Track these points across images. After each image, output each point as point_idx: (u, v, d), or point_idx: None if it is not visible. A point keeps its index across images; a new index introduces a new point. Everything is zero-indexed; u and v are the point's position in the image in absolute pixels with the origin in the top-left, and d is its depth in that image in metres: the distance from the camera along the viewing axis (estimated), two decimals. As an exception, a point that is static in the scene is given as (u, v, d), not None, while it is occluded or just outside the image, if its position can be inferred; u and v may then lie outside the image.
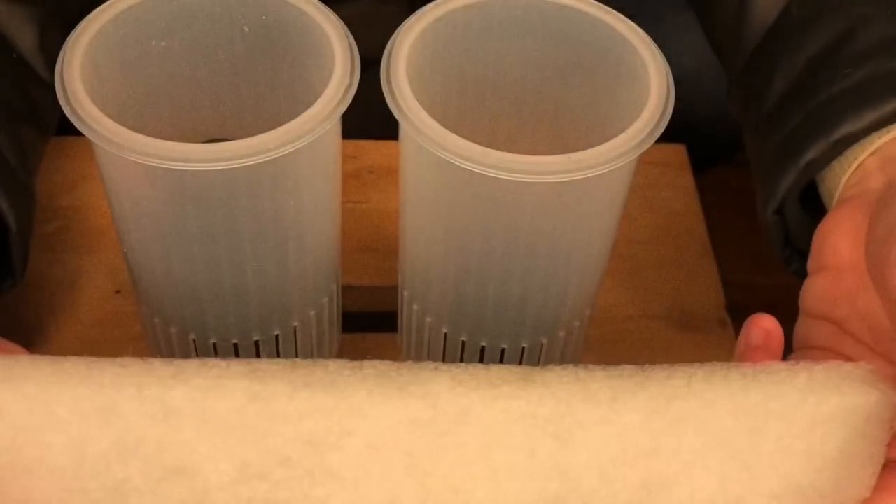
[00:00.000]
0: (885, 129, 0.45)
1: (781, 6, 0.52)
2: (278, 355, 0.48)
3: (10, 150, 0.48)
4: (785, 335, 0.44)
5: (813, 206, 0.49)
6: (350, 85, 0.41)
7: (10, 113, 0.49)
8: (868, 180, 0.45)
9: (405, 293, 0.49)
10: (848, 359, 0.41)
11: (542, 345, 0.48)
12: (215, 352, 0.47)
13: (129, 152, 0.38)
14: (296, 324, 0.48)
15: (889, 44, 0.47)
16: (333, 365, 0.36)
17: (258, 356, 0.48)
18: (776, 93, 0.51)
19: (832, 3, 0.50)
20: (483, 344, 0.48)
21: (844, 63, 0.48)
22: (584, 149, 0.39)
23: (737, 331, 0.59)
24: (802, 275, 0.47)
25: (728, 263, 0.64)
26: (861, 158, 0.46)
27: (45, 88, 0.51)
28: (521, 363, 0.48)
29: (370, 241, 0.59)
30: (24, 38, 0.51)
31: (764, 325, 0.41)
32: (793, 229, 0.50)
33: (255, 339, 0.47)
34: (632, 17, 0.44)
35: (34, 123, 0.51)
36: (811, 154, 0.46)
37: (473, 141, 0.39)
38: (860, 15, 0.48)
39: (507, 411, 0.35)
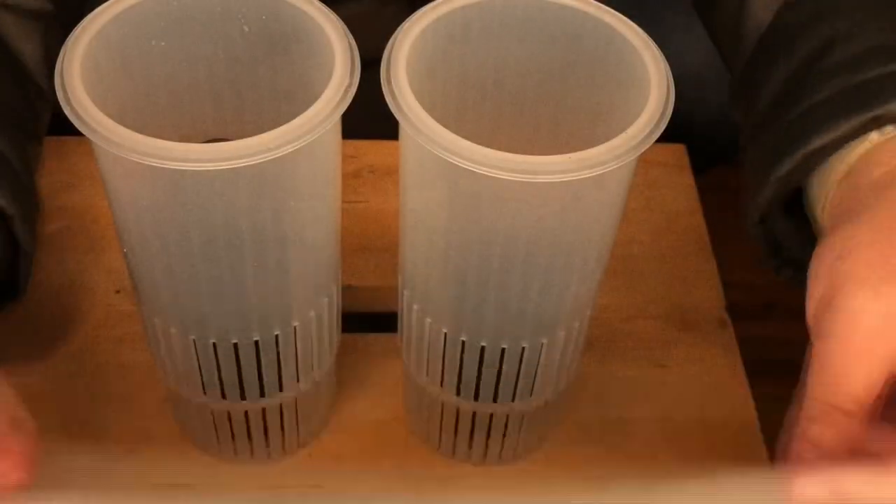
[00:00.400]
0: (853, 144, 0.45)
1: (773, 13, 0.52)
2: (278, 355, 0.48)
3: (24, 172, 0.48)
4: (783, 334, 0.44)
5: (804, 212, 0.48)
6: (350, 85, 0.41)
7: (20, 127, 0.49)
8: (838, 206, 0.45)
9: (405, 293, 0.49)
10: None
11: (542, 345, 0.48)
12: (215, 352, 0.47)
13: (129, 152, 0.38)
14: (296, 324, 0.48)
15: (863, 57, 0.47)
16: None
17: (258, 356, 0.48)
18: (764, 102, 0.51)
19: (818, 14, 0.50)
20: (483, 344, 0.48)
21: (824, 74, 0.48)
22: (584, 149, 0.39)
23: (737, 330, 0.59)
24: (795, 282, 0.47)
25: (728, 263, 0.64)
26: (836, 177, 0.46)
27: (44, 100, 0.51)
28: (521, 363, 0.48)
29: (370, 241, 0.59)
30: (30, 50, 0.51)
31: None
32: (782, 239, 0.49)
33: (255, 339, 0.47)
34: (632, 17, 0.44)
35: (37, 137, 0.51)
36: (784, 168, 0.46)
37: (474, 141, 0.39)
38: (841, 27, 0.48)
39: None
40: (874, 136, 0.45)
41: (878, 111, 0.44)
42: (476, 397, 0.50)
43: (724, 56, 0.57)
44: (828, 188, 0.46)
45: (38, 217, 0.49)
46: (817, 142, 0.45)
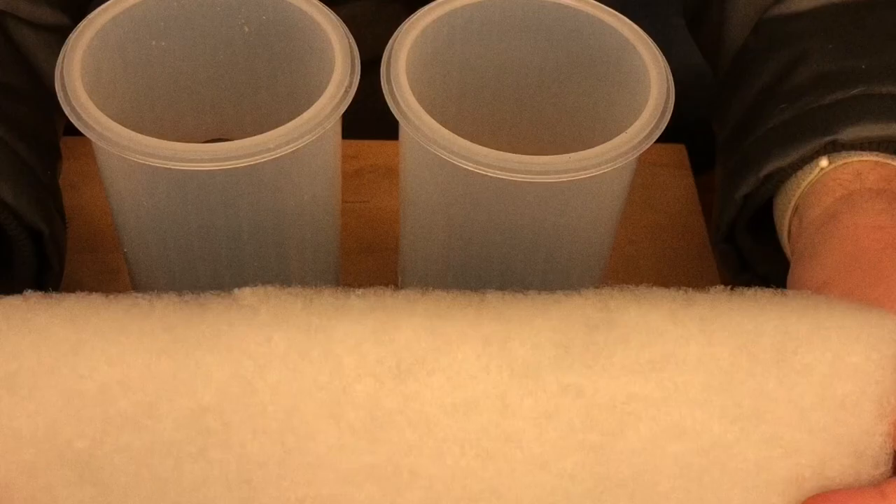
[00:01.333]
0: (806, 170, 0.45)
1: (746, 35, 0.53)
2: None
3: (56, 192, 0.49)
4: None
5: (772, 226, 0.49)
6: (350, 85, 0.41)
7: (47, 146, 0.50)
8: (795, 240, 0.45)
9: (405, 293, 0.49)
10: None
11: (542, 345, 0.48)
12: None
13: (129, 152, 0.38)
14: (296, 324, 0.47)
15: (821, 80, 0.47)
16: None
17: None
18: (731, 124, 0.51)
19: (782, 36, 0.50)
20: (483, 344, 0.48)
21: (781, 98, 0.48)
22: (584, 149, 0.39)
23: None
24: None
25: (728, 263, 0.64)
26: (792, 204, 0.46)
27: (61, 116, 0.52)
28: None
29: (370, 241, 0.59)
30: (50, 65, 0.52)
31: None
32: (748, 256, 0.50)
33: (255, 339, 0.47)
34: (634, 17, 0.44)
35: (60, 156, 0.52)
36: (743, 190, 0.47)
37: (474, 141, 0.39)
38: (802, 50, 0.48)
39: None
40: (824, 163, 0.45)
41: (831, 137, 0.45)
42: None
43: (713, 73, 0.58)
44: (787, 213, 0.46)
45: (66, 236, 0.50)
46: (772, 165, 0.46)
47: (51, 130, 0.51)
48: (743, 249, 0.50)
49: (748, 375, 0.35)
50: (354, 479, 0.34)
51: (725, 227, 0.48)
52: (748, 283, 0.50)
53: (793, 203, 0.46)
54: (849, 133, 0.45)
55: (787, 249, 0.47)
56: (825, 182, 0.45)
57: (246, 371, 0.34)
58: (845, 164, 0.45)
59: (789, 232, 0.46)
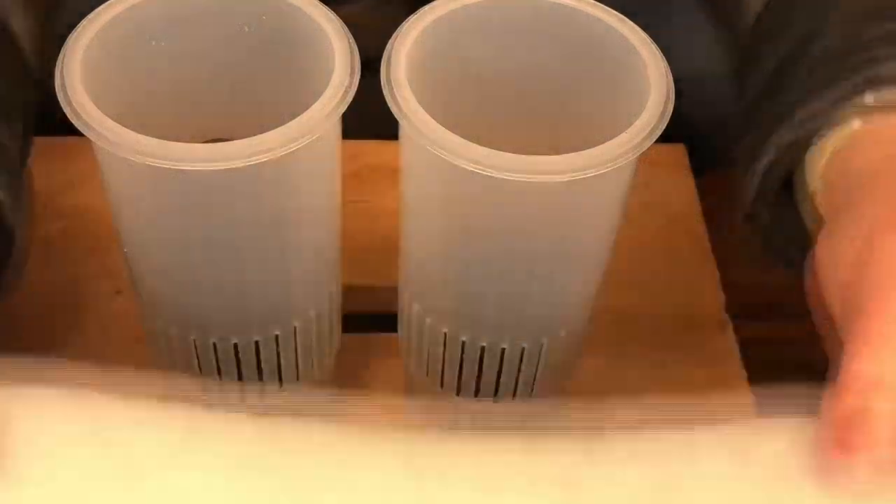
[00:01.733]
0: (851, 103, 0.42)
1: (755, 19, 0.52)
2: (278, 355, 0.48)
3: (20, 162, 0.48)
4: (784, 334, 0.44)
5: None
6: (350, 85, 0.41)
7: (14, 116, 0.49)
8: (833, 193, 0.43)
9: (405, 293, 0.49)
10: None
11: (542, 345, 0.48)
12: (215, 352, 0.47)
13: (129, 152, 0.38)
14: (296, 324, 0.48)
15: (842, 47, 0.46)
16: None
17: (258, 356, 0.48)
18: (746, 103, 0.50)
19: (792, 17, 0.50)
20: (483, 344, 0.48)
21: (801, 68, 0.47)
22: (584, 149, 0.39)
23: (737, 331, 0.59)
24: (791, 270, 0.46)
25: (728, 263, 0.64)
26: (823, 161, 0.44)
27: (35, 86, 0.50)
28: (521, 363, 0.48)
29: (370, 241, 0.59)
30: (24, 26, 0.50)
31: None
32: (769, 231, 0.49)
33: (256, 339, 0.47)
34: (634, 16, 0.44)
35: (29, 125, 0.51)
36: (777, 139, 0.44)
37: (474, 141, 0.39)
38: (811, 29, 0.48)
39: None
40: (869, 99, 0.42)
41: (872, 72, 0.42)
42: (476, 397, 0.50)
43: (728, 55, 0.57)
44: (821, 163, 0.43)
45: (29, 205, 0.48)
46: (808, 110, 0.43)
47: (17, 97, 0.50)
48: (763, 222, 0.48)
49: None
50: None
51: (749, 204, 0.46)
52: (774, 259, 0.49)
53: (822, 161, 0.43)
54: (891, 67, 0.41)
55: (818, 206, 0.44)
56: (873, 126, 0.41)
57: None
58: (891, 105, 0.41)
59: (825, 183, 0.43)
